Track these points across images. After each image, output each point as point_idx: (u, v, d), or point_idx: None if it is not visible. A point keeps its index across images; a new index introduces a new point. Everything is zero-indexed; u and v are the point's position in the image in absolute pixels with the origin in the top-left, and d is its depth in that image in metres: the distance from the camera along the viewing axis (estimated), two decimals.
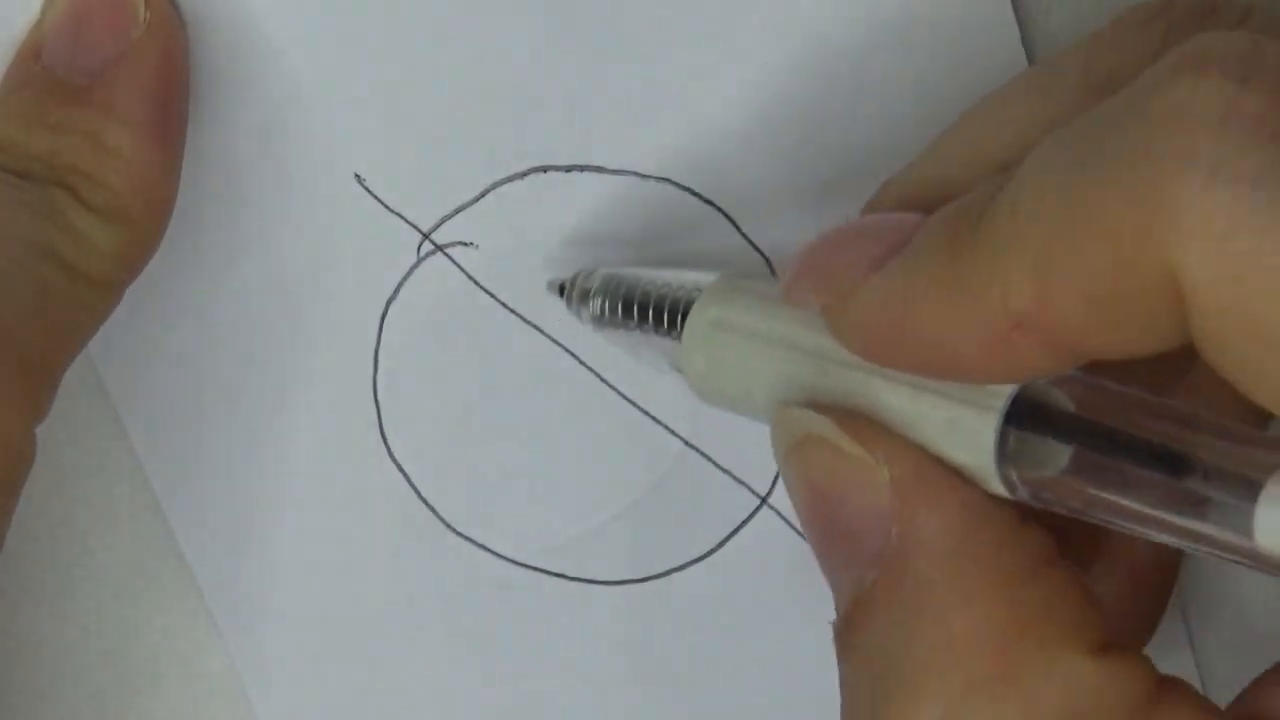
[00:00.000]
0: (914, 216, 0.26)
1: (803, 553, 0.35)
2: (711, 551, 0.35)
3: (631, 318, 0.31)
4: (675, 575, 0.35)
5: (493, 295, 0.34)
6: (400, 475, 0.35)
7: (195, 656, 0.36)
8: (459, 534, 0.35)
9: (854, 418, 0.26)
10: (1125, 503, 0.24)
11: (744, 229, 0.34)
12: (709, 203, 0.33)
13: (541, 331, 0.34)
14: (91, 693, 0.36)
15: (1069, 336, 0.24)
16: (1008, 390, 0.25)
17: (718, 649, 0.35)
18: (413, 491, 0.35)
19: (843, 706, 0.26)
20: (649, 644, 0.35)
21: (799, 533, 0.35)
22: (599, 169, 0.33)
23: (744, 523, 0.35)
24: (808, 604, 0.35)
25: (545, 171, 0.33)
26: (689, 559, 0.35)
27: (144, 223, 0.32)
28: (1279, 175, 0.21)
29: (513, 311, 0.34)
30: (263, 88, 0.33)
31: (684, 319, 0.30)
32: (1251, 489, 0.23)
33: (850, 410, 0.27)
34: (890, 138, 0.33)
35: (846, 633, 0.26)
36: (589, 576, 0.35)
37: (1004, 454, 0.25)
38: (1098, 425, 0.25)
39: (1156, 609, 0.31)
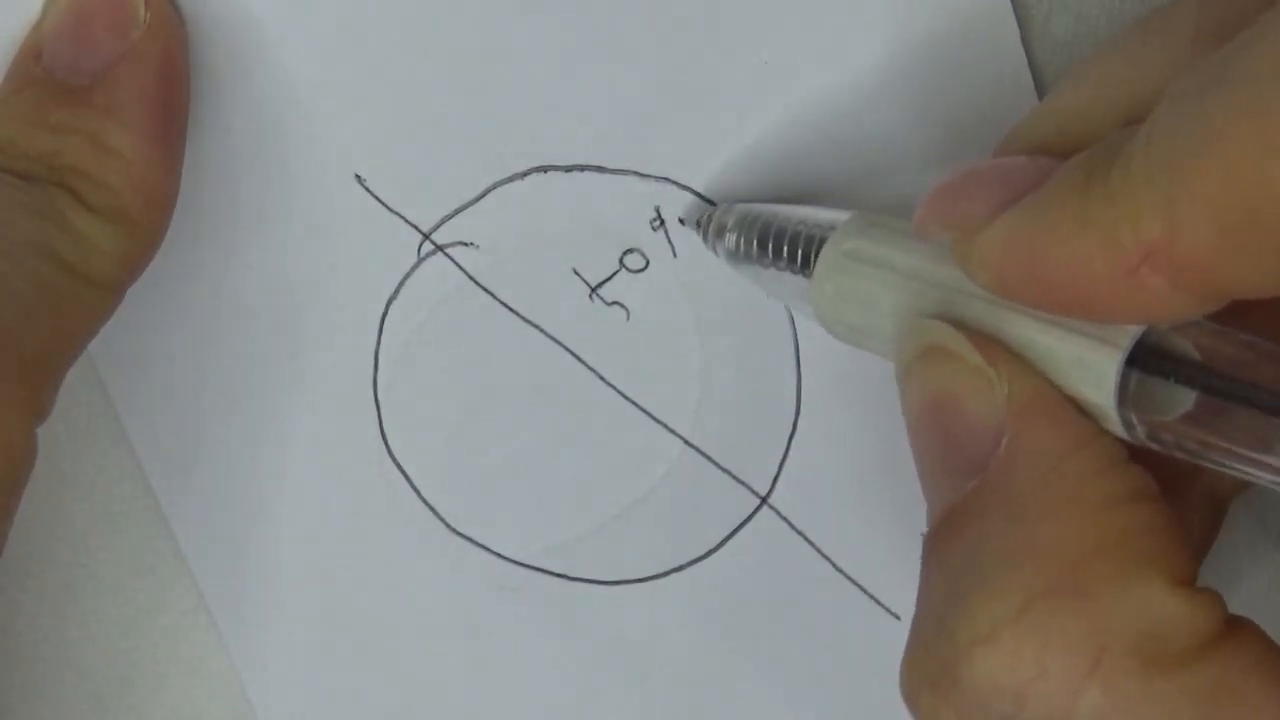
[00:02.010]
0: (1048, 160, 0.27)
1: (803, 553, 0.35)
2: (711, 551, 0.35)
3: (766, 254, 0.31)
4: (675, 575, 0.35)
5: (493, 295, 0.34)
6: (400, 475, 0.35)
7: (195, 656, 0.36)
8: (459, 534, 0.35)
9: (982, 337, 0.27)
10: (1243, 450, 0.25)
11: None
12: (709, 202, 0.33)
13: (542, 331, 0.34)
14: (91, 692, 0.36)
15: (1200, 271, 0.24)
16: (1133, 331, 0.26)
17: (718, 649, 0.35)
18: (413, 491, 0.35)
19: (917, 613, 0.27)
20: (649, 644, 0.35)
21: (799, 533, 0.35)
22: (599, 169, 0.33)
23: (744, 523, 0.35)
24: (808, 604, 0.35)
25: (546, 171, 0.33)
26: (689, 559, 0.35)
27: (145, 223, 0.32)
28: None
29: (513, 311, 0.34)
30: (263, 88, 0.33)
31: (818, 255, 0.30)
32: None
33: (979, 330, 0.27)
34: (891, 140, 0.33)
35: (936, 539, 0.27)
36: (589, 576, 0.35)
37: (1125, 395, 0.26)
38: (1221, 372, 0.25)
39: (1211, 537, 0.32)
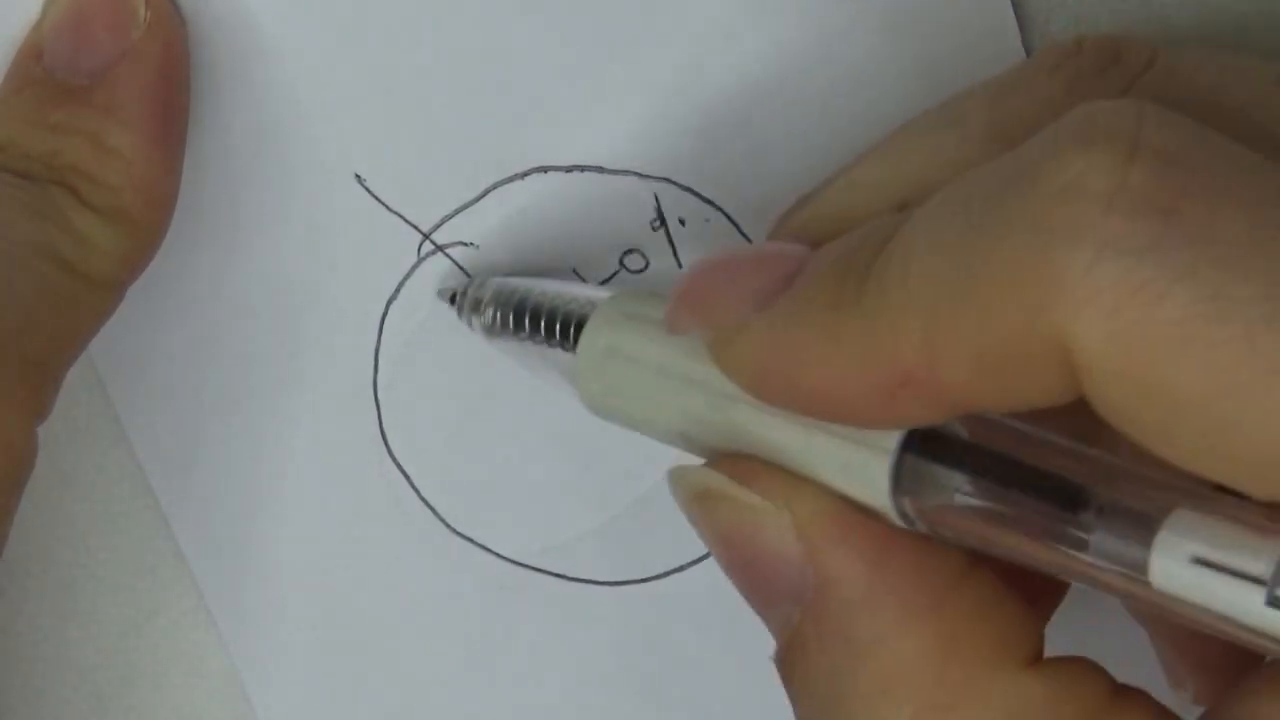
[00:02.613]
0: (801, 248, 0.26)
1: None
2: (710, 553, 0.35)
3: (524, 329, 0.31)
4: (675, 576, 0.35)
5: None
6: (401, 475, 0.35)
7: (195, 656, 0.36)
8: (459, 534, 0.35)
9: (750, 465, 0.27)
10: (1019, 537, 0.24)
11: (744, 229, 0.34)
12: (709, 202, 0.33)
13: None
14: (91, 692, 0.36)
15: (956, 395, 0.24)
16: (899, 435, 0.25)
17: (717, 650, 0.35)
18: (413, 491, 0.35)
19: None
20: (649, 644, 0.35)
21: None
22: (599, 169, 0.33)
23: None
24: None
25: (546, 172, 0.33)
26: (689, 560, 0.35)
27: (145, 222, 0.32)
28: (1164, 247, 0.22)
29: None
30: (263, 88, 0.33)
31: (577, 333, 0.30)
32: (1147, 526, 0.23)
33: (745, 456, 0.27)
34: (891, 127, 0.33)
35: (787, 666, 0.27)
36: (589, 577, 0.35)
37: (899, 487, 0.25)
38: (992, 453, 0.25)
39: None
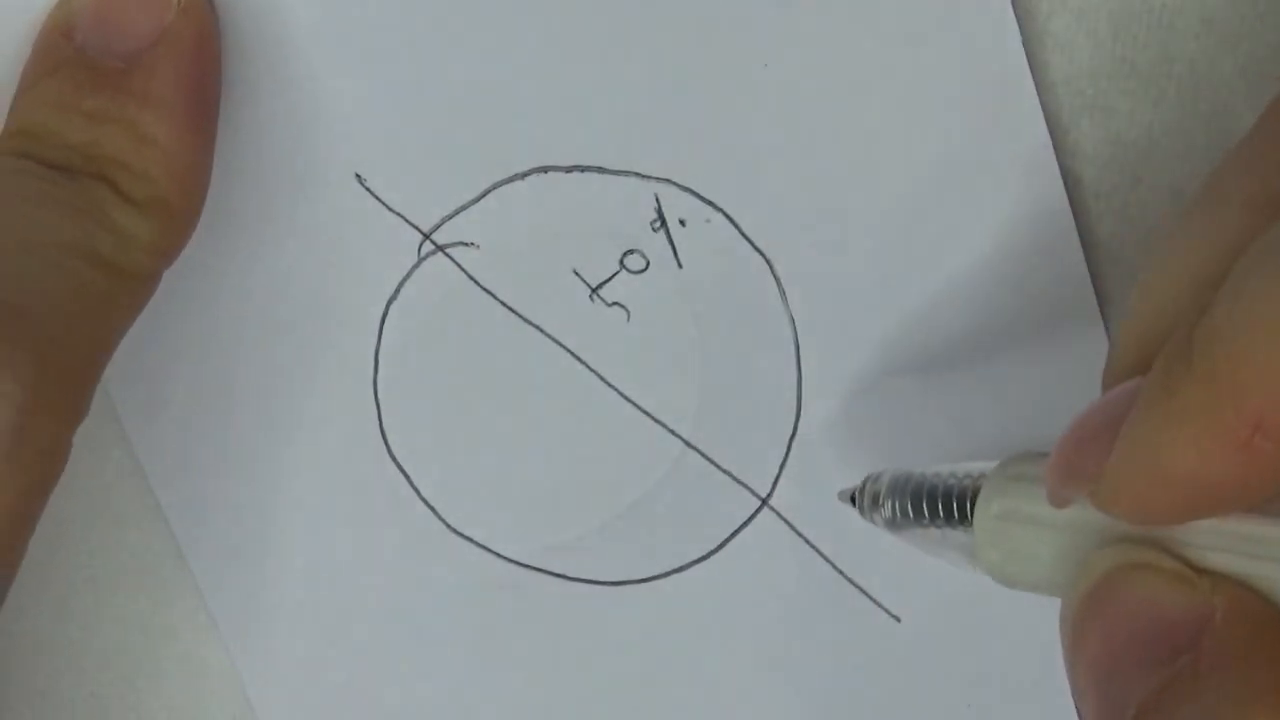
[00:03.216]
0: (1137, 379, 0.27)
1: (803, 554, 0.35)
2: (712, 553, 0.35)
3: (923, 515, 0.31)
4: (675, 576, 0.35)
5: (493, 295, 0.34)
6: (401, 475, 0.35)
7: (195, 656, 0.36)
8: (459, 534, 0.35)
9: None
10: None
11: (744, 229, 0.34)
12: (709, 203, 0.33)
13: (542, 331, 0.34)
14: (91, 692, 0.36)
15: None
16: None
17: (718, 650, 0.35)
18: (413, 491, 0.35)
19: None
20: (649, 644, 0.35)
21: (800, 534, 0.35)
22: (600, 169, 0.33)
23: (744, 524, 0.35)
24: (808, 606, 0.35)
25: (546, 172, 0.33)
26: (689, 560, 0.35)
27: (182, 212, 0.31)
28: None
29: (513, 311, 0.34)
30: (263, 86, 0.33)
31: (973, 508, 0.30)
32: None
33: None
34: (890, 138, 0.33)
35: (1149, 713, 0.26)
36: (589, 577, 0.35)
37: None
38: None
39: None
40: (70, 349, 0.30)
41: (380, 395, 0.34)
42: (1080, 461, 0.27)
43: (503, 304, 0.34)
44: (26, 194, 0.30)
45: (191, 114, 0.31)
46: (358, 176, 0.33)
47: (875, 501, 0.33)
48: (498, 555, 0.35)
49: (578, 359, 0.34)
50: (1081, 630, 0.27)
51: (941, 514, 0.31)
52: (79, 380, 0.30)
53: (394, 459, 0.35)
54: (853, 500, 0.33)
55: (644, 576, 0.35)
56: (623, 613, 0.35)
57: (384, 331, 0.34)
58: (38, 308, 0.30)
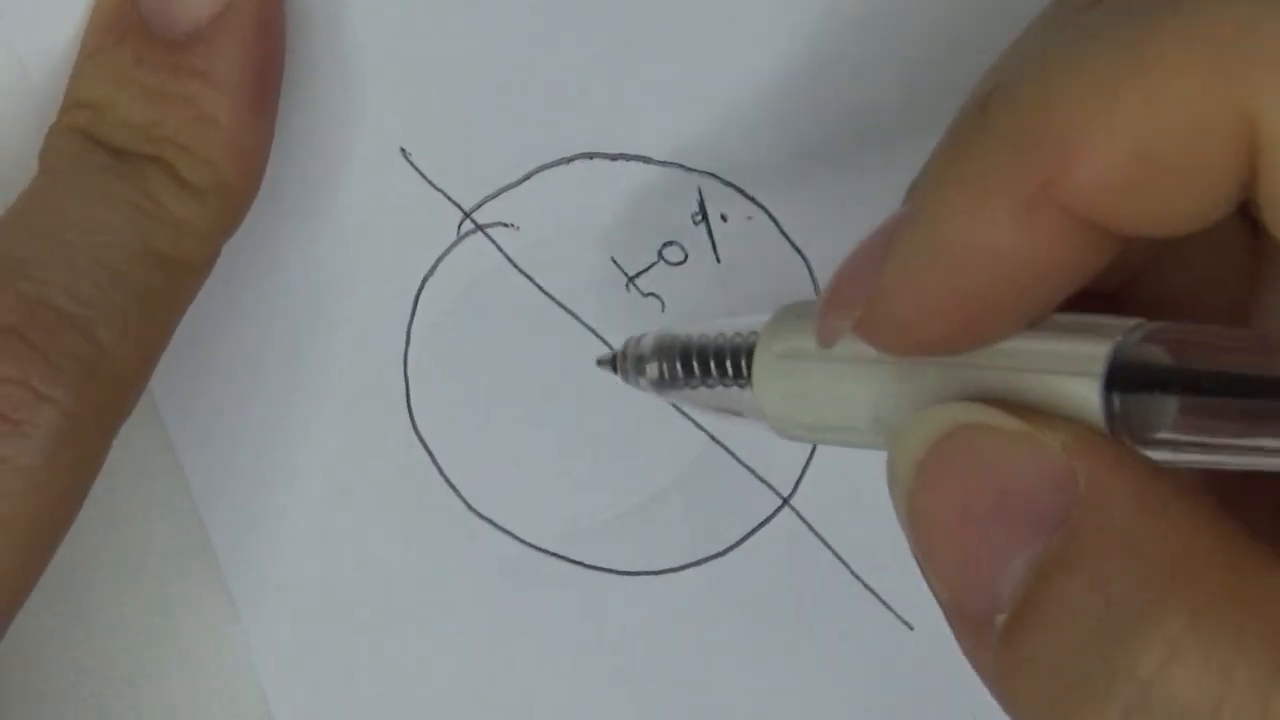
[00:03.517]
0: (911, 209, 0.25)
1: (821, 556, 0.35)
2: (730, 549, 0.35)
3: (694, 374, 0.30)
4: (691, 570, 0.35)
5: (530, 278, 0.34)
6: (425, 453, 0.35)
7: (196, 656, 0.36)
8: (478, 514, 0.35)
9: (999, 401, 0.25)
10: (1239, 441, 0.23)
11: (785, 228, 0.34)
12: (752, 200, 0.33)
13: (576, 317, 0.34)
14: (92, 692, 0.36)
15: (1106, 202, 0.22)
16: (1102, 353, 0.24)
17: (730, 646, 0.35)
18: (435, 469, 0.35)
19: (1030, 700, 0.24)
20: (660, 636, 0.35)
21: (819, 536, 0.35)
22: (645, 159, 0.33)
23: (764, 522, 0.35)
24: (823, 607, 0.35)
25: (591, 158, 0.33)
26: (707, 554, 0.35)
27: (240, 194, 0.31)
28: None
29: (549, 296, 0.34)
30: (313, 57, 0.33)
31: (748, 364, 0.29)
32: None
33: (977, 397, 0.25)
34: (939, 136, 0.33)
35: (1028, 613, 0.24)
36: (605, 565, 0.35)
37: (1113, 421, 0.24)
38: (1196, 371, 0.24)
39: None
40: (123, 354, 0.30)
41: (410, 371, 0.34)
42: (848, 289, 0.25)
43: (538, 287, 0.34)
44: (84, 192, 0.30)
45: (254, 93, 0.31)
46: (403, 151, 0.34)
47: (640, 364, 0.32)
48: (515, 538, 0.35)
49: (610, 347, 0.34)
50: (923, 507, 0.25)
51: (714, 371, 0.30)
52: (129, 383, 0.30)
53: (419, 436, 0.35)
54: (613, 365, 0.32)
55: (660, 568, 0.35)
56: (636, 603, 0.35)
57: (418, 308, 0.34)
58: (90, 315, 0.29)
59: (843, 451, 0.35)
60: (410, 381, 0.35)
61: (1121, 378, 0.24)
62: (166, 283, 0.30)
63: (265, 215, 0.34)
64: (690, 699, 0.36)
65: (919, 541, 0.26)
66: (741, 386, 0.29)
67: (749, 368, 0.29)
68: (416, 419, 0.35)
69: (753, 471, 0.35)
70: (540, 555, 0.35)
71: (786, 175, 0.33)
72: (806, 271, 0.34)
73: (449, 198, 0.34)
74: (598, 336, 0.34)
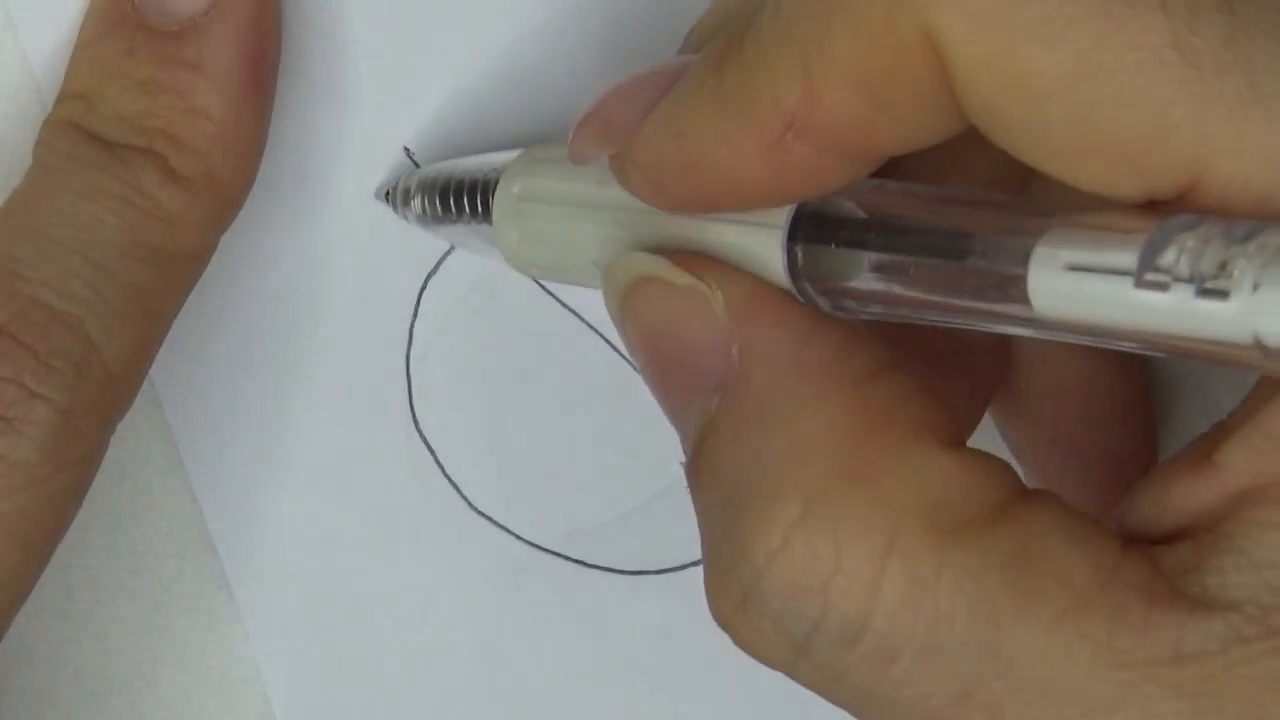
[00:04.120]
0: (692, 57, 0.26)
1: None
2: None
3: (450, 210, 0.31)
4: (692, 569, 0.35)
5: (532, 276, 0.34)
6: (427, 451, 0.35)
7: (196, 656, 0.36)
8: (480, 513, 0.35)
9: (686, 256, 0.26)
10: (920, 296, 0.24)
11: None
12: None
13: (579, 317, 0.34)
14: (91, 692, 0.36)
15: (844, 132, 0.23)
16: (790, 208, 0.25)
17: (728, 647, 0.35)
18: (436, 467, 0.35)
19: (704, 543, 0.26)
20: (661, 636, 0.35)
21: None
22: None
23: None
24: None
25: None
26: None
27: (233, 187, 0.31)
28: None
29: (551, 295, 0.34)
30: (318, 58, 0.33)
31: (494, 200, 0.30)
32: (1025, 251, 0.23)
33: (674, 248, 0.26)
34: None
35: (696, 465, 0.26)
36: (606, 565, 0.35)
37: (797, 270, 0.25)
38: (880, 222, 0.25)
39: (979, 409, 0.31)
40: (116, 350, 0.30)
41: (412, 370, 0.35)
42: (614, 117, 0.26)
43: (541, 286, 0.34)
44: (75, 187, 0.30)
45: (247, 85, 0.31)
46: (406, 150, 0.34)
47: (406, 198, 0.32)
48: (517, 537, 0.35)
49: (612, 346, 0.34)
50: (629, 349, 0.27)
51: (468, 207, 0.30)
52: (123, 378, 0.30)
53: (421, 434, 0.35)
54: (386, 196, 0.33)
55: (661, 568, 0.35)
56: (637, 603, 0.35)
57: (420, 306, 0.34)
58: (81, 312, 0.30)
59: None
60: (412, 380, 0.35)
61: (806, 228, 0.25)
62: (158, 276, 0.31)
63: (268, 212, 0.34)
64: (690, 698, 0.36)
65: (641, 373, 0.27)
66: (489, 224, 0.30)
67: (490, 206, 0.30)
68: (418, 417, 0.35)
69: None
70: (541, 554, 0.35)
71: None
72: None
73: None
74: (600, 335, 0.34)
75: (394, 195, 0.33)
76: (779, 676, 0.35)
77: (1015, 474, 0.25)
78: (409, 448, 0.35)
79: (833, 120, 0.23)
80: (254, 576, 0.35)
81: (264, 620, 0.35)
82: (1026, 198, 0.25)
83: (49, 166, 0.31)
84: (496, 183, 0.30)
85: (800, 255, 0.25)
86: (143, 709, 0.36)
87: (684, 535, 0.35)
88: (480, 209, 0.30)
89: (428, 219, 0.32)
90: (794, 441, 0.24)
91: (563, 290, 0.34)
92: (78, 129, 0.31)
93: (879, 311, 0.25)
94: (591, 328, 0.34)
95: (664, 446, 0.35)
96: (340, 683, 0.35)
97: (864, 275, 0.25)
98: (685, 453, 0.26)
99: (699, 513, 0.26)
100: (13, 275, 0.30)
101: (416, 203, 0.32)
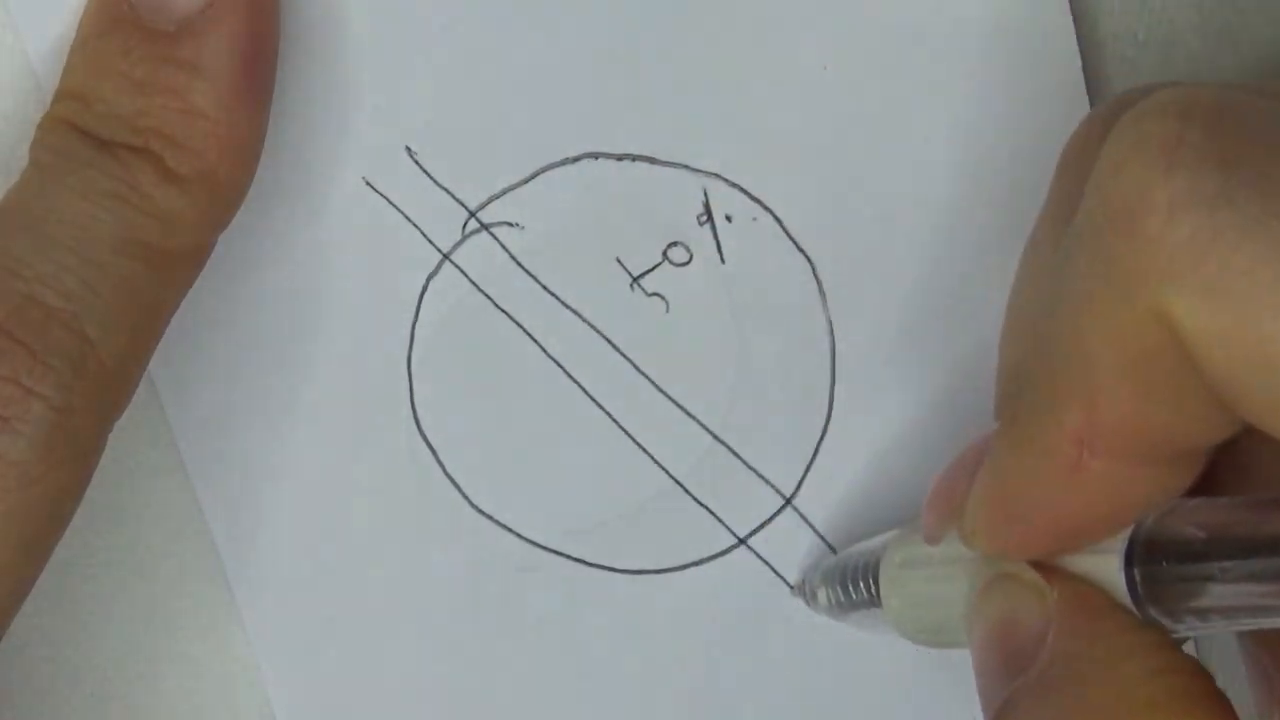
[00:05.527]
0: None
1: (822, 556, 0.35)
2: (732, 548, 0.35)
3: (849, 596, 0.32)
4: (694, 569, 0.35)
5: (534, 278, 0.34)
6: (428, 451, 0.35)
7: (195, 656, 0.36)
8: (481, 512, 0.35)
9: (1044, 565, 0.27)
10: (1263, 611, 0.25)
11: (790, 230, 0.34)
12: (757, 201, 0.34)
13: (580, 317, 0.34)
14: (91, 692, 0.36)
15: (1128, 435, 0.24)
16: (1125, 532, 0.26)
17: (733, 645, 0.35)
18: (438, 466, 0.35)
19: None
20: (662, 635, 0.35)
21: (821, 536, 0.35)
22: (651, 159, 0.34)
23: (766, 522, 0.35)
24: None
25: (597, 158, 0.34)
26: (709, 554, 0.35)
27: (230, 187, 0.31)
28: (1233, 197, 0.22)
29: (553, 295, 0.34)
30: (321, 59, 0.33)
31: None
32: None
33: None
34: (943, 152, 0.33)
35: None
36: (608, 564, 0.35)
37: (1135, 590, 0.26)
38: (1231, 541, 0.25)
39: None
40: (112, 348, 0.30)
41: (414, 370, 0.35)
42: (950, 497, 0.28)
43: (543, 286, 0.34)
44: (70, 185, 0.30)
45: (244, 85, 0.31)
46: (408, 149, 0.34)
47: (814, 596, 0.34)
48: (518, 535, 0.35)
49: (614, 347, 0.34)
50: (972, 632, 0.28)
51: (864, 591, 0.32)
52: (120, 377, 0.30)
53: (422, 434, 0.35)
54: (803, 596, 0.35)
55: (662, 567, 0.35)
56: (638, 602, 0.35)
57: (422, 307, 0.34)
58: (77, 310, 0.30)
59: (846, 451, 0.35)
60: (414, 380, 0.35)
61: (1145, 554, 0.26)
62: (154, 275, 0.30)
63: (270, 212, 0.34)
64: (691, 698, 0.36)
65: (975, 667, 0.28)
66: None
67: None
68: (420, 418, 0.35)
69: (755, 471, 0.35)
70: (542, 553, 0.35)
71: (791, 176, 0.34)
72: (810, 273, 0.34)
73: (454, 197, 0.34)
74: (602, 336, 0.34)
75: (805, 590, 0.34)
76: (779, 677, 0.36)
77: None
78: (410, 447, 0.35)
79: (1114, 425, 0.24)
80: (254, 576, 0.35)
81: (264, 620, 0.35)
82: None
83: (45, 165, 0.31)
84: (878, 561, 0.31)
85: (1139, 576, 0.26)
86: (143, 709, 0.36)
87: (684, 535, 0.35)
88: (874, 590, 0.32)
89: (834, 610, 0.33)
90: (1081, 707, 0.25)
91: (563, 290, 0.34)
92: (74, 128, 0.31)
93: (1237, 628, 0.26)
94: (592, 327, 0.34)
95: (664, 447, 0.35)
96: (340, 683, 0.35)
97: (1212, 592, 0.25)
98: None
99: None
100: (9, 273, 0.30)
101: (822, 594, 0.34)
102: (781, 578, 0.35)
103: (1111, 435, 0.24)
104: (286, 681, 0.35)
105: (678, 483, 0.35)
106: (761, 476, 0.35)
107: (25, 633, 0.35)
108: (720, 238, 0.34)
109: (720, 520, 0.35)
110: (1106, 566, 0.26)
